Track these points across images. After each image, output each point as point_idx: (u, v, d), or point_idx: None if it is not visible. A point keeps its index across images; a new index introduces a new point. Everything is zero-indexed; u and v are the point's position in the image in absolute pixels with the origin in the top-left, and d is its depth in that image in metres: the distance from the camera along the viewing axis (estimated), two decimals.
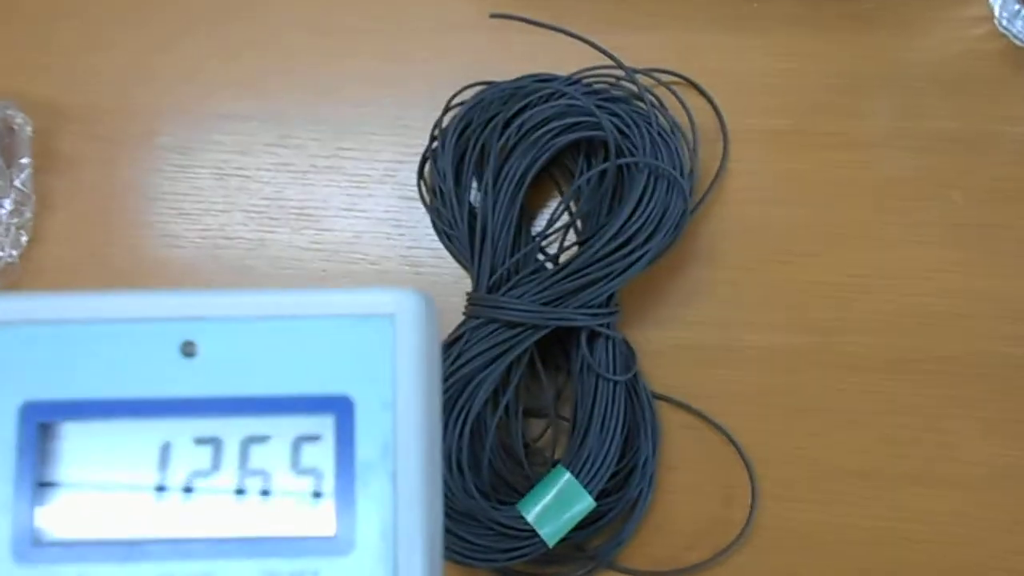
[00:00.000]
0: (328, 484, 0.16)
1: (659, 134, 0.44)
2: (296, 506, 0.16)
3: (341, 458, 0.16)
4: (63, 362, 0.16)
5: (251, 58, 0.50)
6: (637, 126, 0.44)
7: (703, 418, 0.44)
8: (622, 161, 0.43)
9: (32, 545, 0.16)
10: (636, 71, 0.46)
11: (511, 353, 0.42)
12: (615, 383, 0.42)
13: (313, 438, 0.17)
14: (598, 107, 0.44)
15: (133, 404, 0.16)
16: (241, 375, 0.17)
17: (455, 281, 0.46)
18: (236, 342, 0.17)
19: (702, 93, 0.48)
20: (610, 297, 0.43)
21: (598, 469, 0.42)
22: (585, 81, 0.46)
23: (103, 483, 0.16)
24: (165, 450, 0.17)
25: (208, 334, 0.17)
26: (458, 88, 0.47)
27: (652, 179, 0.43)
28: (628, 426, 0.43)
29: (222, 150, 0.49)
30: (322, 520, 0.16)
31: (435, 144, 0.46)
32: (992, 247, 0.45)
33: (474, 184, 0.45)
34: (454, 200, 0.45)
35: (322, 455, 0.17)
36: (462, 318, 0.43)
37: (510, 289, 0.43)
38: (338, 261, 0.47)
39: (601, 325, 0.43)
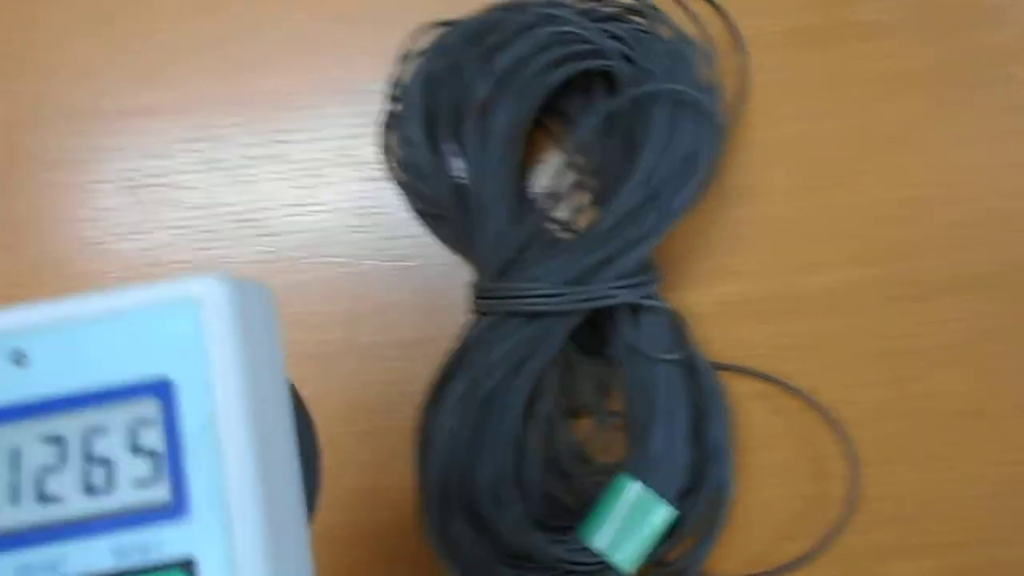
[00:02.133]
0: (163, 460, 0.18)
1: (672, 52, 0.36)
2: (137, 484, 0.18)
3: (170, 435, 0.18)
4: None
5: (140, 34, 0.40)
6: (643, 46, 0.36)
7: (775, 382, 0.37)
8: (638, 91, 0.35)
9: None
10: None
11: (542, 353, 0.34)
12: (670, 363, 0.35)
13: (145, 420, 0.18)
14: (594, 28, 0.35)
15: None
16: (71, 374, 0.18)
17: (450, 271, 0.38)
18: (62, 345, 0.18)
19: None
20: (646, 261, 0.35)
21: (671, 470, 0.34)
22: (567, 1, 0.38)
23: None
24: (15, 454, 0.18)
25: (36, 342, 0.18)
26: (413, 32, 0.38)
27: (674, 110, 0.35)
28: (693, 410, 0.36)
29: (127, 156, 0.40)
30: (160, 492, 0.18)
31: (396, 107, 0.37)
32: None
33: (454, 150, 0.37)
34: (432, 173, 0.36)
35: (155, 434, 0.18)
36: (469, 318, 0.35)
37: (523, 272, 0.35)
38: (299, 271, 0.38)
39: (644, 297, 0.35)
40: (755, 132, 0.39)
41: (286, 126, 0.39)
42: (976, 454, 0.36)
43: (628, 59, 0.36)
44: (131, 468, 0.18)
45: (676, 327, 0.36)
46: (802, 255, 0.38)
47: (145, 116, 0.40)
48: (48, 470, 0.18)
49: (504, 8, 0.37)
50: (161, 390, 0.18)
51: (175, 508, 0.18)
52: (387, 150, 0.38)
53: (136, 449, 0.18)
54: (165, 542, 0.18)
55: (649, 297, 0.35)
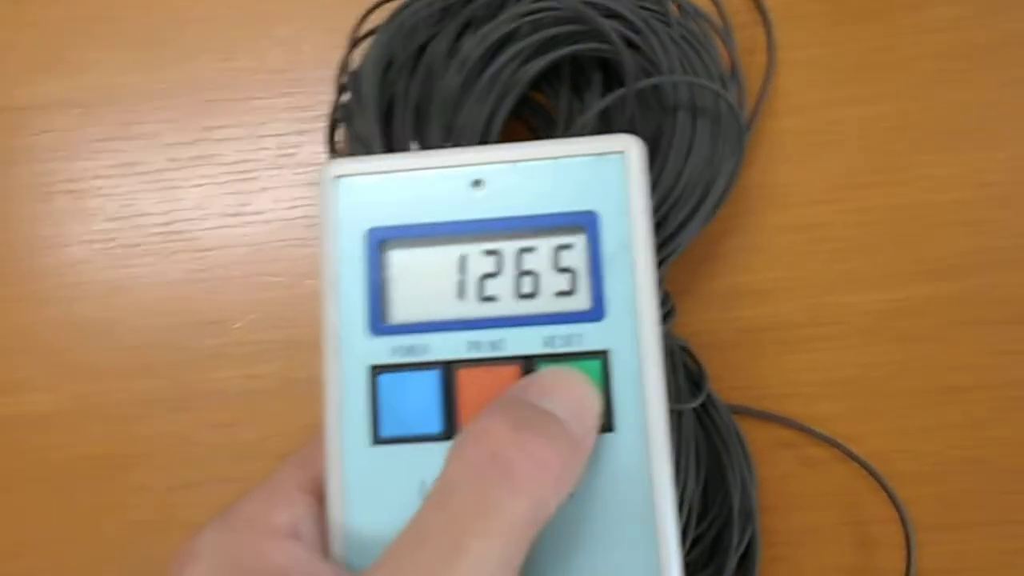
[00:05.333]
0: (583, 272, 0.23)
1: (685, 37, 0.29)
2: (562, 290, 0.23)
3: (593, 255, 0.22)
4: (395, 199, 0.23)
5: (47, 10, 0.34)
6: (650, 27, 0.29)
7: (805, 431, 0.30)
8: (643, 84, 0.28)
9: (380, 323, 0.23)
10: None
11: None
12: (682, 413, 0.28)
13: (568, 245, 0.23)
14: (587, 4, 0.29)
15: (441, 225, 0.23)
16: (517, 201, 0.23)
17: None
18: (511, 179, 0.23)
19: None
20: (662, 276, 0.29)
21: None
22: None
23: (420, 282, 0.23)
24: (463, 260, 0.23)
25: (491, 174, 0.23)
26: (364, 10, 0.31)
27: (688, 106, 0.28)
28: (708, 465, 0.29)
29: (35, 157, 0.33)
30: (581, 298, 0.22)
31: (345, 98, 0.31)
32: None
33: (415, 151, 0.30)
34: None
35: (579, 253, 0.23)
36: None
37: None
38: (236, 291, 0.32)
39: None
40: (782, 121, 0.32)
41: (217, 121, 0.33)
42: None
43: (630, 43, 0.29)
44: (556, 277, 0.22)
45: (691, 369, 0.29)
46: (840, 270, 0.31)
47: (53, 111, 0.33)
48: (488, 275, 0.23)
49: None
50: (588, 220, 0.22)
51: (594, 312, 0.22)
52: (335, 150, 0.31)
53: (559, 266, 0.22)
54: (586, 336, 0.22)
55: (666, 334, 0.28)
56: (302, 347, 0.31)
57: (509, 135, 0.31)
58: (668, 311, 0.29)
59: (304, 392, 0.31)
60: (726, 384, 0.30)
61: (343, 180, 0.23)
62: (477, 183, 0.23)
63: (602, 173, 0.23)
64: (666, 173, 0.27)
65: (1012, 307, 0.30)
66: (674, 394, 0.28)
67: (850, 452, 0.30)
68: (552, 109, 0.31)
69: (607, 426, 0.22)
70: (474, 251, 0.23)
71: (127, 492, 0.31)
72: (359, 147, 0.30)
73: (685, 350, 0.29)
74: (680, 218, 0.27)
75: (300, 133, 0.33)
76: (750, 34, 0.32)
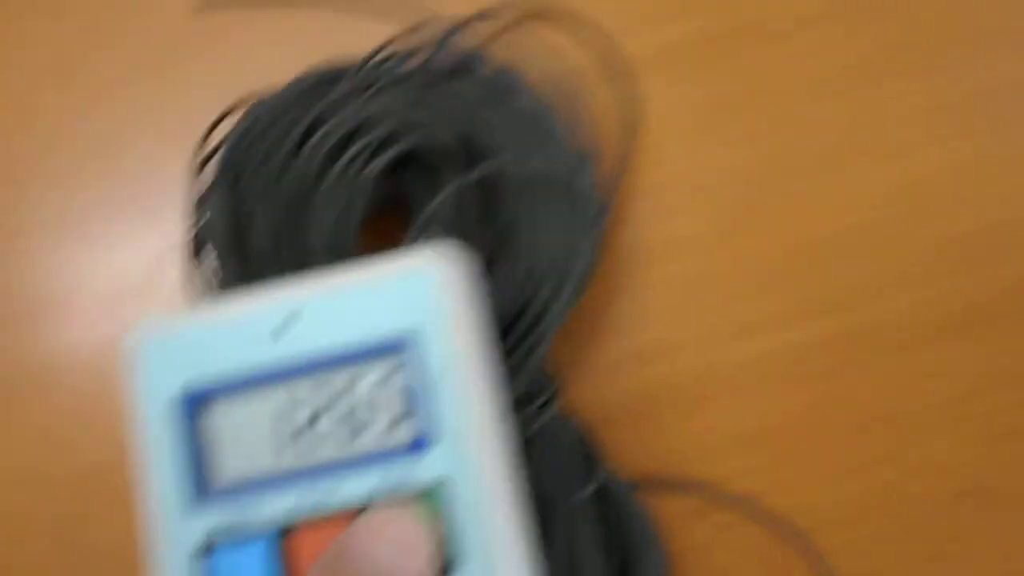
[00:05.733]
0: (409, 401, 0.21)
1: (526, 116, 0.28)
2: (390, 423, 0.21)
3: (418, 377, 0.21)
4: (203, 356, 0.21)
5: None
6: (488, 112, 0.28)
7: (713, 495, 0.29)
8: (479, 174, 0.27)
9: (202, 491, 0.21)
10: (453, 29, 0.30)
11: None
12: (576, 506, 0.27)
13: (390, 373, 0.21)
14: (416, 99, 0.28)
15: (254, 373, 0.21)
16: (333, 332, 0.21)
17: None
18: (328, 310, 0.22)
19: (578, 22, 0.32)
20: (536, 376, 0.28)
21: None
22: (396, 57, 0.30)
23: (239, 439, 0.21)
24: (279, 408, 0.21)
25: (305, 307, 0.22)
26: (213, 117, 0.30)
27: (536, 190, 0.27)
28: (612, 555, 0.28)
29: None
30: (410, 428, 0.21)
31: (198, 221, 0.30)
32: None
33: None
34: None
35: (401, 380, 0.21)
36: None
37: None
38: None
39: (541, 424, 0.27)
40: (653, 173, 0.31)
41: (72, 255, 0.32)
42: (988, 546, 0.28)
43: (465, 135, 0.28)
44: (385, 410, 0.21)
45: (583, 449, 0.28)
46: (731, 319, 0.30)
47: None
48: (320, 409, 0.21)
49: (315, 78, 0.30)
50: (407, 343, 0.21)
51: (423, 442, 0.20)
52: (193, 279, 0.30)
53: (389, 393, 0.21)
54: (420, 469, 0.20)
55: (552, 419, 0.27)
56: None
57: (383, 234, 0.30)
58: (551, 395, 0.28)
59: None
60: (627, 457, 0.29)
61: (144, 345, 0.22)
62: (291, 319, 0.21)
63: (415, 291, 0.21)
64: (520, 261, 0.26)
65: (912, 330, 0.29)
66: (566, 485, 0.27)
67: (758, 510, 0.29)
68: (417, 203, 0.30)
69: (447, 566, 0.20)
70: (291, 397, 0.21)
71: None
72: (219, 278, 0.29)
73: (575, 432, 0.28)
74: (540, 305, 0.26)
75: (163, 260, 0.32)
76: (609, 89, 0.31)
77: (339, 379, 0.21)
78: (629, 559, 0.28)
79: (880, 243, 0.30)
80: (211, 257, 0.29)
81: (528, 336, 0.26)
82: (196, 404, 0.21)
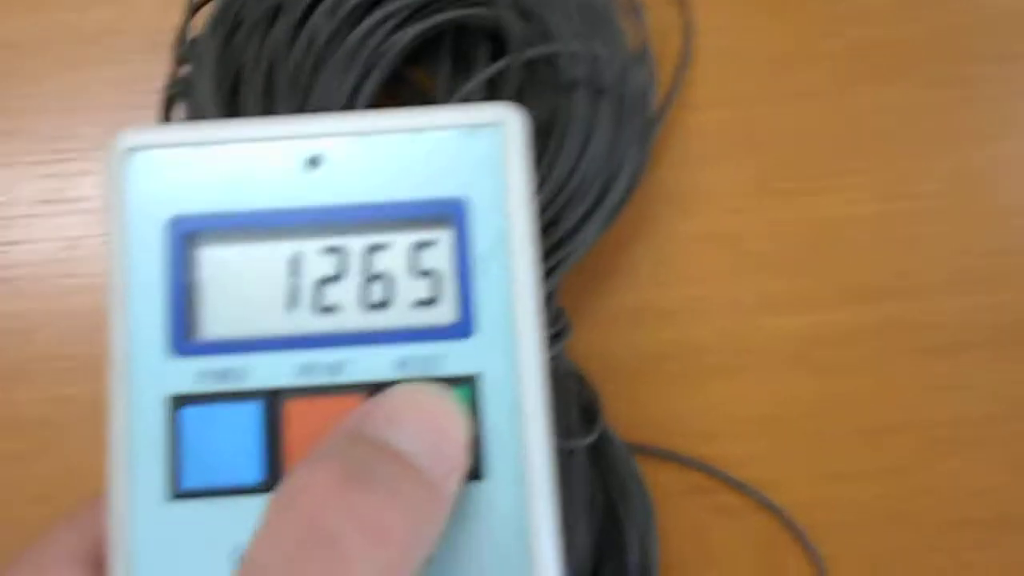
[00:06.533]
0: (448, 277, 0.18)
1: (586, 6, 0.25)
2: (421, 299, 0.18)
3: (460, 252, 0.18)
4: (208, 181, 0.18)
5: None
6: None
7: (714, 474, 0.26)
8: (537, 52, 0.24)
9: (185, 340, 0.18)
10: None
11: None
12: (572, 452, 0.24)
13: (429, 241, 0.18)
14: None
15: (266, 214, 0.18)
16: (364, 185, 0.18)
17: None
18: (358, 156, 0.18)
19: None
20: (549, 307, 0.24)
21: None
22: None
23: (241, 286, 0.18)
24: (295, 259, 0.18)
25: (331, 150, 0.18)
26: None
27: (587, 86, 0.24)
28: (601, 514, 0.25)
29: None
30: (445, 309, 0.18)
31: (183, 70, 0.26)
32: None
33: None
34: None
35: (443, 252, 0.18)
36: None
37: None
38: (43, 294, 0.27)
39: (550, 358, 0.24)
40: (695, 116, 0.28)
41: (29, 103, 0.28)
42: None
43: (522, 11, 0.25)
44: (415, 282, 0.18)
45: (584, 398, 0.25)
46: (757, 289, 0.27)
47: None
48: (327, 280, 0.18)
49: None
50: (456, 207, 0.18)
51: (461, 327, 0.18)
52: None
53: (418, 269, 0.18)
54: (451, 357, 0.18)
55: (554, 358, 0.24)
56: None
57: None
58: (560, 329, 0.24)
59: None
60: (626, 419, 0.26)
61: (138, 155, 0.18)
62: (313, 161, 0.18)
63: (472, 151, 0.18)
64: (559, 164, 0.23)
65: (943, 334, 0.27)
66: (563, 429, 0.23)
67: (768, 502, 0.26)
68: (432, 88, 0.26)
69: (475, 472, 0.17)
70: (309, 248, 0.18)
71: None
72: None
73: (578, 376, 0.24)
74: (575, 218, 0.23)
75: (132, 108, 0.27)
76: (662, 14, 0.28)
77: (368, 238, 0.18)
78: (617, 523, 0.24)
79: (937, 235, 0.28)
80: (190, 115, 0.25)
81: (553, 253, 0.23)
82: (191, 235, 0.18)
